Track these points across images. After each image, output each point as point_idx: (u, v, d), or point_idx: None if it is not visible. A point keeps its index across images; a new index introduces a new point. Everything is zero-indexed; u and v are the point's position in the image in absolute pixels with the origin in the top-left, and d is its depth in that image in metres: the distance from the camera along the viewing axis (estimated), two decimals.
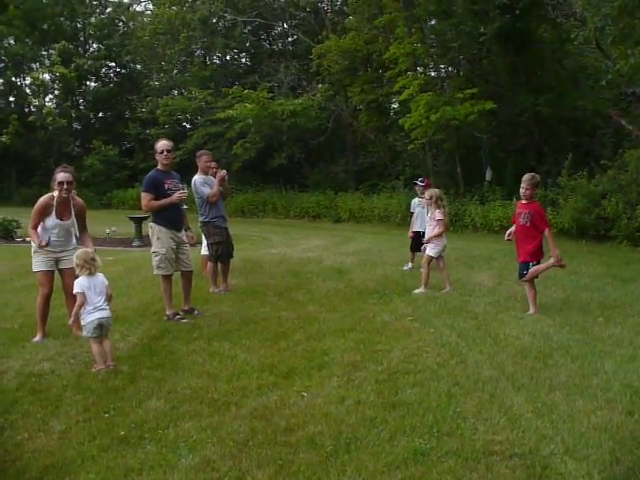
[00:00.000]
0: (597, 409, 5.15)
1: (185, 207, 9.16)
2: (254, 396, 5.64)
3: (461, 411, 5.17)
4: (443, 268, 10.60)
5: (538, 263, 8.66)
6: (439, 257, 10.60)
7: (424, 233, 12.37)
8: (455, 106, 22.55)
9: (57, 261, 7.71)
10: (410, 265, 12.70)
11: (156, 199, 8.55)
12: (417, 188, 13.00)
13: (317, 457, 4.44)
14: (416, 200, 12.97)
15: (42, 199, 7.71)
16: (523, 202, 8.76)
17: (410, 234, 12.86)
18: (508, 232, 9.09)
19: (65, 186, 7.59)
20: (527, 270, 8.59)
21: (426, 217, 10.94)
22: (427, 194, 10.88)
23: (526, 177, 8.72)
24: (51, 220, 7.63)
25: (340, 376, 6.09)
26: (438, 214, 10.54)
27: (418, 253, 12.69)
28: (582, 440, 4.60)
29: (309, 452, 4.52)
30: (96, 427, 5.00)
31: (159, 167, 8.77)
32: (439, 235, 10.56)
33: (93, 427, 5.00)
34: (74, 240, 7.84)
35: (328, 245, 17.77)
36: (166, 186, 8.59)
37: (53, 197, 7.64)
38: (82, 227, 7.98)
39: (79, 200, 7.97)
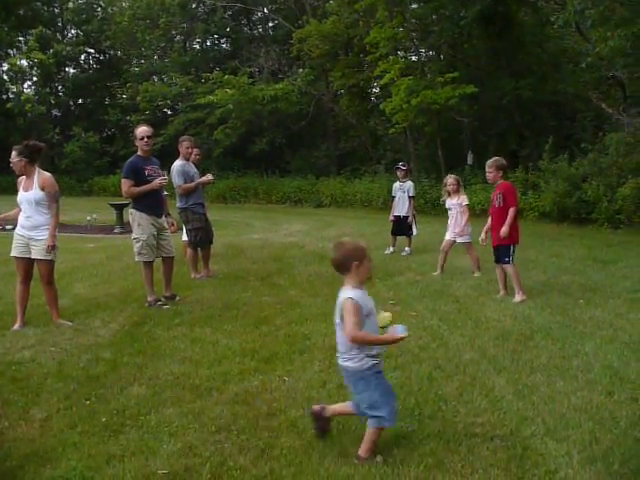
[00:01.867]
0: (577, 390, 5.20)
1: (165, 194, 9.11)
2: (236, 381, 5.63)
3: (442, 394, 5.21)
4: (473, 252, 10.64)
5: (517, 244, 8.67)
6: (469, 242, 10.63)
7: (405, 217, 12.48)
8: (436, 90, 22.50)
9: (29, 247, 7.57)
10: (391, 249, 12.76)
11: (136, 185, 8.49)
12: (398, 172, 13.00)
13: (299, 441, 4.45)
14: (397, 184, 12.98)
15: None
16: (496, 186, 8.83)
17: (391, 218, 12.90)
18: (482, 237, 9.08)
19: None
20: (509, 254, 8.58)
21: (450, 202, 10.73)
22: (452, 179, 10.89)
23: (489, 162, 8.82)
24: (19, 195, 7.58)
25: (322, 360, 6.10)
26: (465, 199, 10.65)
27: (399, 237, 12.75)
28: (562, 421, 4.64)
29: (291, 436, 4.53)
30: (77, 414, 4.97)
31: (139, 153, 8.70)
32: (467, 220, 10.57)
33: (74, 415, 4.97)
34: (46, 226, 7.59)
35: (310, 230, 17.76)
36: (146, 172, 8.53)
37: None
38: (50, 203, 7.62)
39: (46, 174, 7.67)
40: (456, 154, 25.31)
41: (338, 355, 4.32)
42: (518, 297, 8.46)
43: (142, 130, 8.75)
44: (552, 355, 6.10)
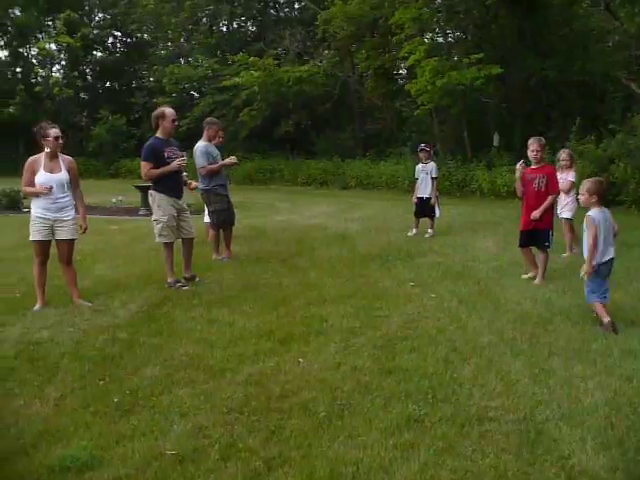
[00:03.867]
0: (595, 375, 5.13)
1: (185, 174, 9.09)
2: (250, 362, 5.61)
3: (457, 377, 5.15)
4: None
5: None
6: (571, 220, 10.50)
7: (428, 199, 12.37)
8: (462, 71, 22.30)
9: (53, 231, 7.63)
10: (414, 231, 12.67)
11: (156, 167, 8.48)
12: (421, 154, 12.88)
13: (309, 423, 4.42)
14: (420, 166, 12.86)
15: (30, 157, 7.66)
16: (533, 167, 8.55)
17: (414, 200, 12.79)
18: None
19: (60, 141, 7.60)
20: (549, 238, 8.45)
21: (560, 176, 10.45)
22: (566, 154, 10.65)
23: (533, 140, 8.48)
24: (41, 176, 7.54)
25: (338, 342, 6.07)
26: (573, 175, 10.42)
27: (422, 219, 12.66)
28: (578, 406, 4.57)
29: (302, 418, 4.50)
30: (91, 394, 4.99)
31: (158, 135, 8.68)
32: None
33: (88, 394, 4.99)
34: (71, 206, 7.73)
35: (334, 212, 17.69)
36: (165, 154, 8.51)
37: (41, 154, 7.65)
38: (75, 186, 7.86)
39: (69, 157, 7.88)
40: (482, 135, 25.06)
41: None
42: (539, 281, 8.36)
43: (172, 112, 8.80)
44: (571, 338, 6.01)
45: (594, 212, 6.55)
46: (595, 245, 6.43)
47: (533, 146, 8.44)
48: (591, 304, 6.56)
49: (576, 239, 10.08)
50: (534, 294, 7.74)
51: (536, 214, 8.25)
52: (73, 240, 7.80)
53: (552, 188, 8.36)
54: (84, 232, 7.89)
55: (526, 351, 5.71)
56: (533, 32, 23.61)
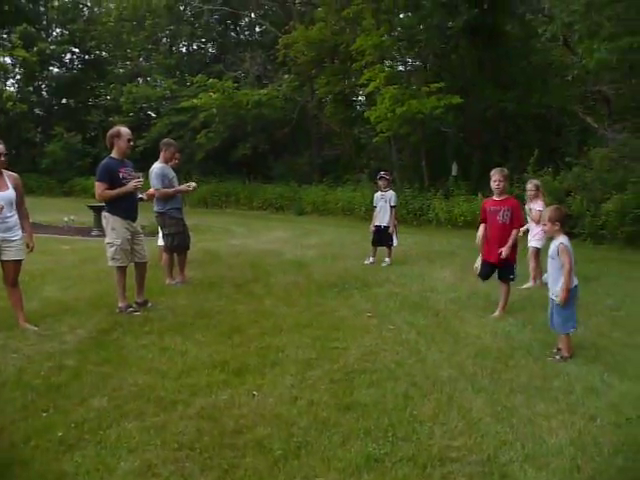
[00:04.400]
0: (558, 413, 5.00)
1: (140, 196, 8.86)
2: (203, 395, 5.38)
3: (418, 414, 4.98)
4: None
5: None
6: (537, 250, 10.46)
7: (386, 227, 12.29)
8: (421, 100, 22.38)
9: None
10: (371, 259, 12.53)
11: (111, 188, 8.23)
12: (380, 182, 12.79)
13: (264, 462, 4.21)
14: (379, 194, 12.77)
15: None
16: (496, 199, 8.38)
17: (372, 228, 12.69)
18: (479, 238, 8.60)
19: (2, 158, 7.22)
20: (514, 271, 8.35)
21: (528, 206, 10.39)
22: (532, 184, 10.72)
23: (495, 170, 8.34)
24: None
25: (294, 374, 5.86)
26: (541, 205, 10.35)
27: (379, 247, 12.56)
28: (542, 446, 4.43)
29: (256, 456, 4.29)
30: (32, 427, 4.70)
31: (113, 155, 8.44)
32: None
33: (29, 427, 4.70)
34: (18, 226, 7.39)
35: (290, 237, 17.51)
36: (121, 174, 8.27)
37: None
38: (20, 204, 7.50)
39: (13, 174, 7.49)
40: (440, 165, 25.21)
41: None
42: (499, 313, 8.27)
43: (127, 131, 8.54)
44: (532, 375, 5.89)
45: (564, 238, 6.51)
46: (571, 270, 6.42)
47: (495, 176, 8.31)
48: (564, 333, 6.49)
49: (540, 270, 10.07)
50: (494, 327, 7.63)
51: (507, 251, 8.13)
52: (20, 261, 7.47)
53: (517, 222, 8.27)
54: (31, 251, 7.58)
55: (487, 387, 5.57)
56: (493, 64, 23.89)
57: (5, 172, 7.36)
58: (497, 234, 8.26)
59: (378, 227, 12.57)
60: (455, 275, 11.22)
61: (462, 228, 19.93)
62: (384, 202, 12.57)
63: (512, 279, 8.39)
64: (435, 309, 8.63)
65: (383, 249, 12.59)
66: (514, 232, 8.19)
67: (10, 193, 7.25)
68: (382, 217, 12.55)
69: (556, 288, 6.56)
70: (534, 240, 10.48)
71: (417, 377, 5.83)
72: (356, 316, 8.21)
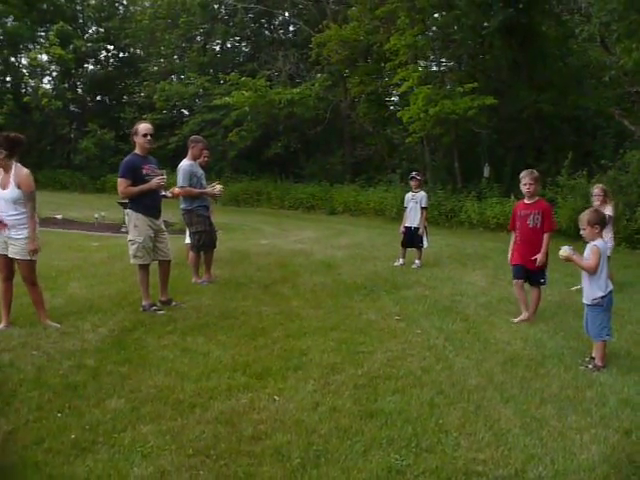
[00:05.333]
0: (591, 426, 4.79)
1: (164, 194, 8.76)
2: (222, 398, 5.24)
3: (443, 423, 4.79)
4: None
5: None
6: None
7: (416, 229, 12.10)
8: (455, 100, 22.14)
9: (7, 245, 7.19)
10: (401, 261, 12.35)
11: (133, 185, 8.12)
12: (412, 182, 12.61)
13: (282, 471, 4.05)
14: (409, 195, 12.58)
15: None
16: (527, 202, 8.22)
17: (402, 229, 12.51)
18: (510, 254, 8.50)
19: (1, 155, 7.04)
20: (545, 275, 8.18)
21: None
22: (599, 188, 10.50)
23: (525, 173, 8.18)
24: None
25: (317, 379, 5.70)
26: (610, 210, 10.20)
27: (409, 249, 12.36)
28: (574, 462, 4.23)
29: (274, 465, 4.13)
30: (46, 428, 4.58)
31: (137, 151, 8.32)
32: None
33: (43, 428, 4.58)
34: (24, 225, 7.10)
35: (320, 237, 17.37)
36: (144, 171, 8.15)
37: None
38: (26, 201, 7.12)
39: (24, 171, 7.16)
40: (473, 166, 24.97)
41: None
42: (525, 316, 8.06)
43: (144, 127, 8.36)
44: (564, 385, 5.67)
45: (600, 242, 6.38)
46: (593, 266, 6.31)
47: (525, 179, 8.13)
48: (599, 341, 6.28)
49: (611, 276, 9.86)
50: (525, 333, 7.42)
51: (542, 259, 7.95)
52: (27, 260, 7.20)
53: (548, 225, 8.06)
54: (34, 254, 7.19)
55: (517, 397, 5.37)
56: (528, 64, 23.56)
57: (14, 169, 7.10)
58: (528, 238, 8.12)
59: (408, 228, 12.38)
60: (486, 279, 11.00)
61: (495, 230, 19.70)
62: (415, 203, 12.38)
63: (543, 283, 8.19)
64: (465, 313, 8.43)
65: (413, 251, 12.40)
66: (546, 237, 7.99)
67: (10, 192, 7.00)
68: (413, 218, 12.36)
69: (589, 293, 6.35)
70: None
71: (444, 384, 5.64)
72: (383, 319, 8.03)
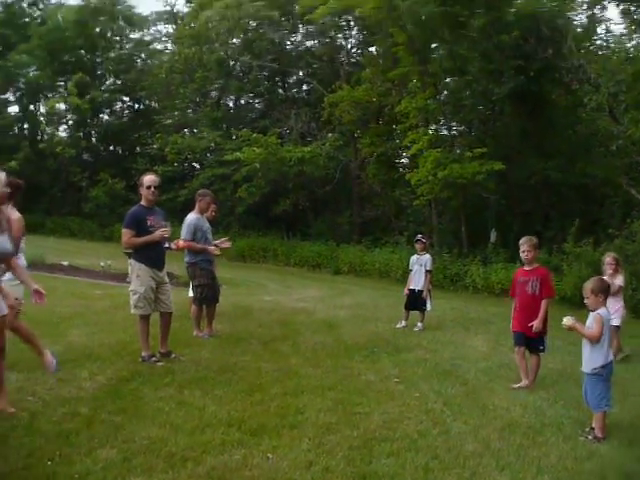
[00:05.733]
0: None
1: (167, 246, 8.81)
2: (216, 453, 5.20)
3: None
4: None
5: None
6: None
7: (420, 291, 12.07)
8: (463, 164, 22.29)
9: None
10: (404, 323, 12.29)
11: (138, 236, 8.19)
12: (417, 245, 12.63)
13: None
14: (415, 257, 12.60)
15: None
16: (526, 268, 8.27)
17: (406, 291, 12.48)
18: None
19: None
20: (544, 343, 8.14)
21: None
22: (611, 257, 10.50)
23: (524, 239, 8.27)
24: None
25: (312, 438, 5.65)
26: (621, 280, 10.22)
27: (413, 311, 12.32)
28: None
29: None
30: (34, 476, 4.54)
31: (142, 203, 8.46)
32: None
33: (31, 476, 4.55)
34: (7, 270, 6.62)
35: (323, 296, 17.33)
36: (148, 222, 8.24)
37: None
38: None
39: (15, 215, 6.89)
40: (479, 230, 24.97)
41: None
42: (525, 384, 8.00)
43: (149, 179, 8.48)
44: (562, 455, 5.60)
45: (603, 310, 6.36)
46: (596, 335, 6.25)
47: (524, 246, 8.21)
48: (598, 412, 6.21)
49: (619, 347, 9.81)
50: (524, 400, 7.35)
51: (538, 325, 7.93)
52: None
53: (546, 292, 8.07)
54: (17, 313, 6.85)
55: (513, 465, 5.30)
56: (537, 131, 23.73)
57: (3, 213, 6.37)
58: (527, 304, 8.13)
59: (412, 291, 12.36)
60: (488, 344, 10.93)
61: (499, 295, 19.61)
62: (419, 266, 12.39)
63: (542, 350, 8.16)
64: (464, 378, 8.36)
65: (416, 313, 12.36)
66: (544, 303, 7.99)
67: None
68: (417, 281, 12.35)
69: (590, 362, 6.31)
70: (614, 319, 9.81)
71: (440, 449, 5.58)
72: (382, 381, 7.98)
